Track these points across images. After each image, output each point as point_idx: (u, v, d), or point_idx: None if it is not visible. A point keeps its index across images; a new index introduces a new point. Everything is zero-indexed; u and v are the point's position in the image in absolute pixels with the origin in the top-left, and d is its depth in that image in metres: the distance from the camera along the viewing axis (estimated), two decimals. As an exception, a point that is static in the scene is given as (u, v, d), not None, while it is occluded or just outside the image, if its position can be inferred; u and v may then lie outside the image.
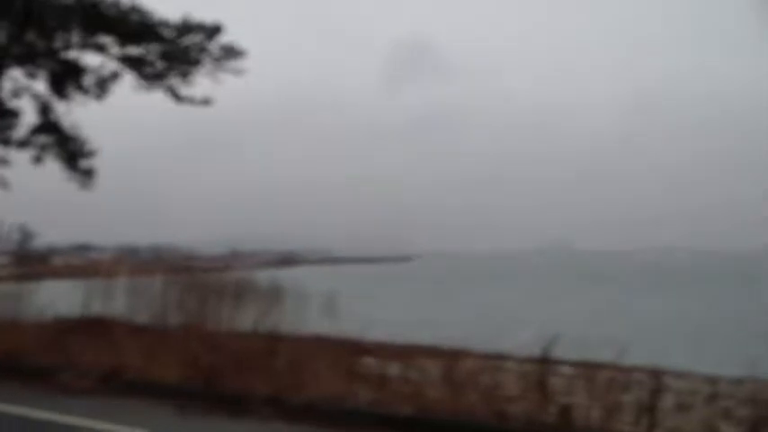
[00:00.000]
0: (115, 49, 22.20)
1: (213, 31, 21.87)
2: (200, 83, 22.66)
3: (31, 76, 23.20)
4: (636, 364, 15.91)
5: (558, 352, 10.87)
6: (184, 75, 22.49)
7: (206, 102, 23.09)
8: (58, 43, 22.53)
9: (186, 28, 21.67)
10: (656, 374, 12.11)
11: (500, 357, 12.78)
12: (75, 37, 22.30)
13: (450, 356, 11.17)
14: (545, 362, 9.69)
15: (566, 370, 14.72)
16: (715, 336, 30.90)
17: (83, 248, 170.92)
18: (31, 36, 22.13)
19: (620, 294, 58.75)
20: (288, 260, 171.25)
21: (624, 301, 51.93)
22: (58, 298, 21.18)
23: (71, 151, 23.36)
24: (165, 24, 21.61)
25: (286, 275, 31.24)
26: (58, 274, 53.65)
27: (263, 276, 27.02)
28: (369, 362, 14.60)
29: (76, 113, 23.18)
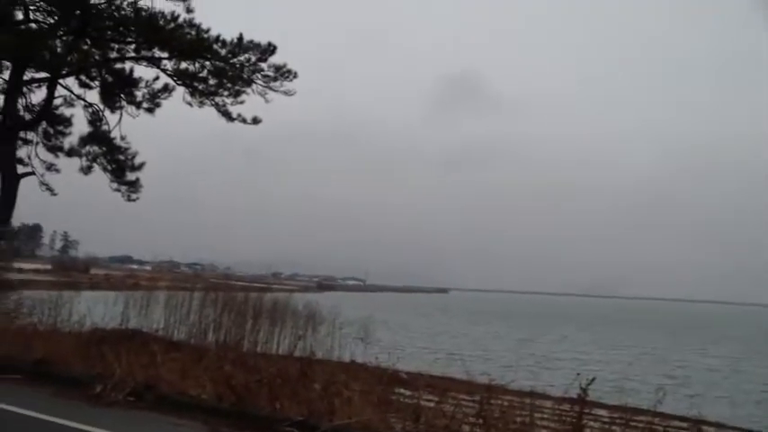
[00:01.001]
0: (169, 64, 22.36)
1: (267, 50, 21.93)
2: (250, 101, 22.75)
3: (85, 85, 23.47)
4: (675, 412, 15.65)
5: (595, 394, 10.66)
6: (236, 93, 22.58)
7: (255, 121, 23.15)
8: (113, 54, 22.75)
9: (240, 46, 21.76)
10: (697, 424, 11.84)
11: (536, 395, 12.53)
12: (131, 49, 22.52)
13: (486, 391, 10.96)
14: (581, 403, 9.45)
15: (602, 413, 14.47)
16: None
17: (123, 260, 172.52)
18: (86, 46, 22.38)
19: (655, 340, 58.15)
20: (326, 285, 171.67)
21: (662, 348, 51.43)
22: (96, 308, 21.26)
23: (119, 162, 23.54)
24: (220, 42, 21.72)
25: (323, 300, 31.20)
26: (97, 284, 54.13)
27: (301, 300, 27.01)
28: (403, 391, 14.45)
29: (127, 125, 23.38)
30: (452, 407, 10.68)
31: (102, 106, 23.56)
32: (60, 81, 22.52)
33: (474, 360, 27.78)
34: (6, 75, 22.27)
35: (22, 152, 23.23)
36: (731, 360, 44.41)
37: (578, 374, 9.82)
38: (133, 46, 22.45)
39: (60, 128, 24.19)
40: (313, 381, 11.63)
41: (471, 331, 55.52)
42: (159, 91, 22.95)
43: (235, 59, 22.03)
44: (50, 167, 23.94)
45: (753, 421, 21.23)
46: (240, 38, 21.70)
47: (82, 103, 23.67)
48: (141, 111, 23.23)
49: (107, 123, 23.52)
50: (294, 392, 10.82)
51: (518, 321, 75.41)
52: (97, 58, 22.73)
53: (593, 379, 9.52)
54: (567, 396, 10.24)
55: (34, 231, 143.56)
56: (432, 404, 11.31)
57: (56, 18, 22.09)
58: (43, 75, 22.37)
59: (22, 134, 22.94)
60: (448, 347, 38.55)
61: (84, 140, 23.77)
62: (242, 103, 22.83)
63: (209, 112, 22.98)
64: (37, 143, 23.78)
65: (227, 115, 22.96)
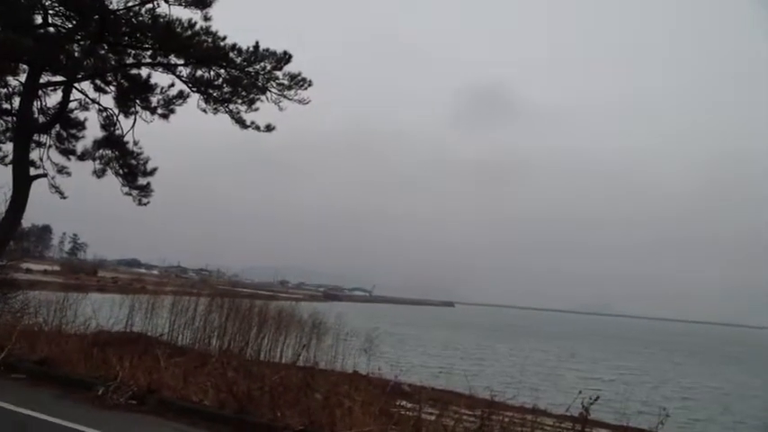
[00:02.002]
0: (184, 71, 22.46)
1: (282, 59, 21.97)
2: (265, 108, 22.79)
3: (100, 90, 23.57)
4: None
5: (596, 413, 10.68)
6: (250, 101, 22.64)
7: (269, 128, 23.22)
8: (129, 60, 22.88)
9: (256, 55, 21.80)
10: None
11: (537, 412, 12.56)
12: (147, 55, 22.64)
13: (487, 406, 11.00)
14: (583, 422, 9.48)
15: (603, 432, 14.48)
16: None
17: (131, 264, 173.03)
18: (103, 51, 22.51)
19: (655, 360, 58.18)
20: (332, 295, 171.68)
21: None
22: (102, 310, 21.36)
23: (131, 167, 23.61)
24: (236, 50, 21.79)
25: (329, 310, 31.29)
26: (104, 287, 54.34)
27: (307, 309, 27.11)
28: (404, 404, 14.47)
29: (140, 130, 23.47)
30: (453, 421, 10.72)
31: (116, 111, 23.64)
32: (76, 85, 22.63)
33: (475, 375, 27.78)
34: (23, 77, 22.42)
35: (34, 154, 23.32)
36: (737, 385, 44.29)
37: (580, 392, 9.85)
38: (150, 52, 22.51)
39: (74, 131, 24.26)
40: (315, 390, 11.69)
41: (479, 347, 55.58)
42: (174, 97, 23.00)
43: (250, 68, 22.08)
44: (62, 170, 24.01)
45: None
46: (256, 46, 21.74)
47: (96, 107, 23.77)
48: (156, 116, 23.27)
49: (121, 128, 23.60)
50: (296, 401, 10.88)
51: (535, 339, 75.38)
52: (113, 63, 22.84)
53: (597, 398, 9.56)
54: (568, 414, 10.27)
55: (44, 233, 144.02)
56: (433, 417, 11.33)
57: (74, 23, 22.21)
58: (59, 78, 22.49)
59: (35, 137, 23.05)
60: (451, 362, 38.58)
61: (98, 144, 23.84)
62: (256, 110, 22.85)
63: (223, 119, 23.04)
64: (50, 146, 23.85)
65: (240, 123, 23.00)
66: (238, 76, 22.21)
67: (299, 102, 22.36)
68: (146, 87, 23.17)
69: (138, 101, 23.30)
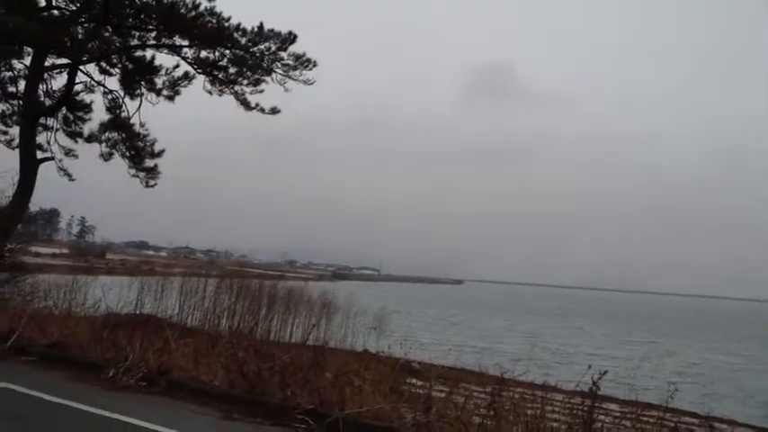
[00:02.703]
0: (189, 52, 22.41)
1: (287, 39, 21.91)
2: (271, 90, 22.76)
3: (105, 72, 23.56)
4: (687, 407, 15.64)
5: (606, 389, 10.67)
6: (255, 82, 22.61)
7: (274, 111, 23.20)
8: (133, 42, 22.84)
9: (260, 35, 21.75)
10: (708, 420, 11.85)
11: (547, 388, 12.54)
12: (151, 37, 22.59)
13: (497, 382, 10.98)
14: (593, 397, 9.45)
15: (613, 407, 14.48)
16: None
17: (140, 246, 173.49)
18: (108, 33, 22.47)
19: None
20: (340, 274, 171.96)
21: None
22: (111, 293, 21.40)
23: (137, 149, 23.64)
24: (241, 30, 21.73)
25: (339, 289, 31.33)
26: (113, 269, 54.49)
27: (316, 288, 27.12)
28: (414, 381, 14.49)
29: (145, 111, 23.47)
30: (463, 398, 10.71)
31: (122, 93, 23.66)
32: (81, 67, 22.61)
33: (486, 352, 27.81)
34: (28, 61, 22.41)
35: (41, 138, 23.36)
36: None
37: (589, 367, 9.81)
38: (154, 33, 22.47)
39: (80, 114, 24.28)
40: (325, 369, 11.68)
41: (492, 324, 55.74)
42: (179, 79, 23.00)
43: (255, 48, 22.03)
44: (69, 153, 24.06)
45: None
46: (261, 26, 21.70)
47: (102, 89, 23.78)
48: (161, 98, 23.29)
49: (127, 110, 23.62)
50: (306, 381, 10.88)
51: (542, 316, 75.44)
52: (118, 45, 22.82)
53: (605, 372, 9.51)
54: (578, 389, 10.23)
55: (52, 216, 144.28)
56: (443, 395, 11.34)
57: (78, 5, 22.18)
58: (64, 61, 22.48)
59: (41, 120, 23.06)
60: (461, 339, 38.64)
61: (104, 127, 23.88)
62: (261, 92, 22.85)
63: (228, 100, 23.03)
64: (57, 129, 23.89)
65: (245, 104, 23.00)
66: (243, 57, 22.18)
67: (305, 82, 22.32)
68: (151, 69, 23.16)
69: (143, 83, 23.31)
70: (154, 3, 21.49)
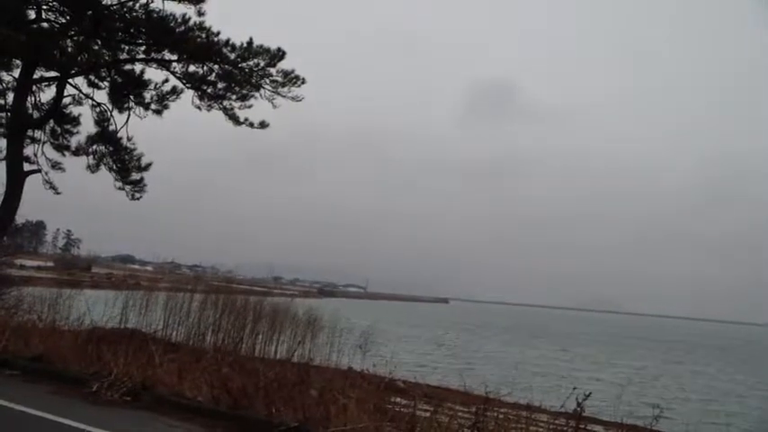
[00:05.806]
0: (178, 66, 22.44)
1: (276, 55, 21.95)
2: (260, 104, 22.81)
3: (94, 85, 23.56)
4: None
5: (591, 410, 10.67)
6: (244, 97, 22.64)
7: (263, 125, 23.24)
8: (123, 55, 22.85)
9: (249, 51, 21.79)
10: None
11: (532, 408, 12.56)
12: (141, 51, 22.62)
13: (482, 402, 10.97)
14: (577, 418, 9.46)
15: (598, 428, 14.47)
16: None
17: (125, 260, 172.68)
18: (97, 47, 22.47)
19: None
20: (326, 291, 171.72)
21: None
22: (96, 307, 21.29)
23: (124, 162, 23.60)
24: (230, 46, 21.77)
25: (324, 306, 31.24)
26: (99, 283, 54.22)
27: (302, 305, 27.03)
28: (399, 400, 14.46)
29: (134, 126, 23.47)
30: (448, 417, 10.69)
31: (110, 106, 23.64)
32: (69, 80, 22.61)
33: (472, 372, 27.75)
34: (16, 73, 22.40)
35: (28, 150, 23.34)
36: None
37: (574, 389, 9.82)
38: (143, 48, 22.53)
39: (68, 127, 24.27)
40: (310, 387, 11.67)
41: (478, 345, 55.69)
42: (168, 93, 23.01)
43: (244, 64, 22.06)
44: (56, 166, 24.01)
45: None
46: (250, 42, 21.73)
47: (90, 102, 23.77)
48: (149, 112, 23.29)
49: (114, 124, 23.60)
50: (290, 398, 10.85)
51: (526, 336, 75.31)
52: (107, 58, 22.81)
53: (590, 394, 9.52)
54: (563, 410, 10.24)
55: (38, 228, 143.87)
56: (427, 414, 11.31)
57: (67, 18, 22.19)
58: (53, 74, 22.48)
59: (29, 132, 23.03)
60: (448, 360, 38.62)
61: (92, 140, 23.85)
62: (250, 107, 22.89)
63: (216, 115, 23.05)
64: (44, 142, 23.87)
65: (234, 119, 23.01)
66: (232, 72, 22.21)
67: (293, 99, 22.36)
68: (139, 83, 23.17)
69: (131, 96, 23.31)
70: (143, 17, 21.53)
